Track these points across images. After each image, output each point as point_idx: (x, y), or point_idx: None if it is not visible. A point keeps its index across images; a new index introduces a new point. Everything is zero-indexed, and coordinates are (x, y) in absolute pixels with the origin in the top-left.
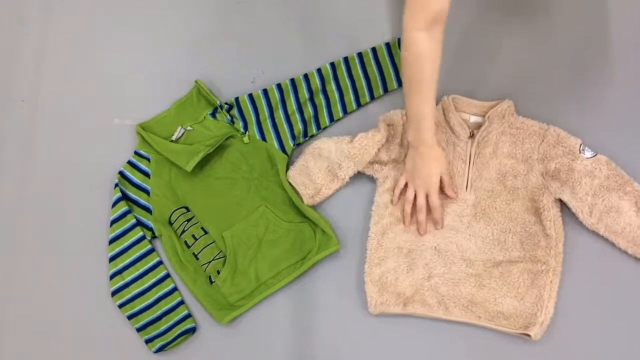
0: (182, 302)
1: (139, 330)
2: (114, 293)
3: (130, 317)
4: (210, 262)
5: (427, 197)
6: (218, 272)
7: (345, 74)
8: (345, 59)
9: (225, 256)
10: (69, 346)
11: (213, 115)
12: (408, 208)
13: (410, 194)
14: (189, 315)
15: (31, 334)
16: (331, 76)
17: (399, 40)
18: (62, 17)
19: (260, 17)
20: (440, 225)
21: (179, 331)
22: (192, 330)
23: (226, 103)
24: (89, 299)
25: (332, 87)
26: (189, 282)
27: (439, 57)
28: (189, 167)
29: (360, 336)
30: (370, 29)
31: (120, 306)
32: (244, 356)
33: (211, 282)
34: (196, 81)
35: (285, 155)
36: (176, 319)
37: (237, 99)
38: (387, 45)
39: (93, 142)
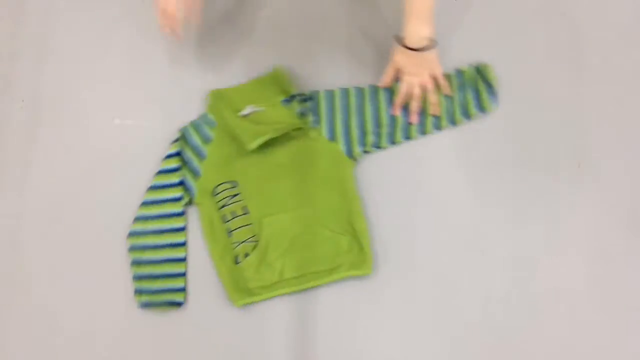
0: (183, 275)
1: (134, 278)
2: (130, 234)
3: (133, 263)
4: (241, 242)
5: None
6: (246, 255)
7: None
8: None
9: (257, 241)
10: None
11: (287, 102)
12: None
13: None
14: (183, 289)
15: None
16: None
17: (481, 66)
18: (62, 17)
19: (260, 17)
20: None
21: (167, 299)
22: (179, 304)
23: (303, 94)
24: (88, 300)
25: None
26: (216, 256)
27: None
28: (252, 147)
29: (360, 333)
30: (370, 31)
31: (130, 249)
32: (244, 351)
33: (237, 262)
34: (276, 68)
35: (351, 160)
36: (171, 286)
37: (314, 93)
38: (477, 68)
39: (93, 142)
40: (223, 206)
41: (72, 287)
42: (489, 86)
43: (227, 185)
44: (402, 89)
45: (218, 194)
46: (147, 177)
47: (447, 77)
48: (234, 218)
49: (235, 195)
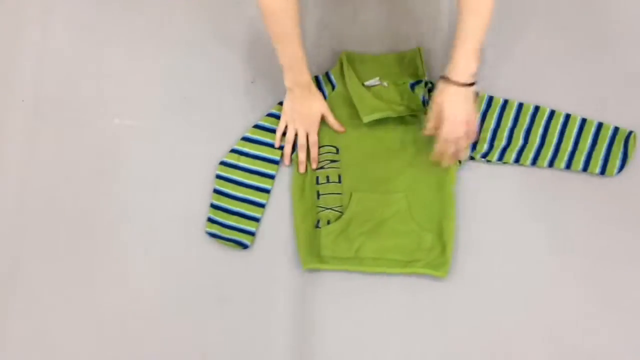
0: (258, 220)
1: (212, 206)
2: (222, 163)
3: (215, 191)
4: (327, 208)
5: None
6: (328, 222)
7: (558, 130)
8: (568, 117)
9: (342, 212)
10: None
11: (412, 86)
12: (288, 148)
13: (290, 135)
14: (253, 234)
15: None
16: (543, 123)
17: (629, 133)
18: (62, 17)
19: (258, 17)
20: (316, 164)
21: (236, 237)
22: (245, 246)
23: (432, 82)
24: (88, 300)
25: (538, 132)
26: (299, 214)
27: (294, 10)
28: (366, 119)
29: (360, 329)
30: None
31: (217, 177)
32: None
33: (317, 226)
34: (416, 48)
35: (457, 163)
36: (243, 226)
37: None
38: (620, 130)
39: (93, 142)
40: (320, 168)
41: (72, 287)
42: (625, 156)
43: (331, 149)
44: (442, 136)
45: (319, 154)
46: (147, 177)
47: (584, 121)
48: (326, 182)
49: (334, 161)
